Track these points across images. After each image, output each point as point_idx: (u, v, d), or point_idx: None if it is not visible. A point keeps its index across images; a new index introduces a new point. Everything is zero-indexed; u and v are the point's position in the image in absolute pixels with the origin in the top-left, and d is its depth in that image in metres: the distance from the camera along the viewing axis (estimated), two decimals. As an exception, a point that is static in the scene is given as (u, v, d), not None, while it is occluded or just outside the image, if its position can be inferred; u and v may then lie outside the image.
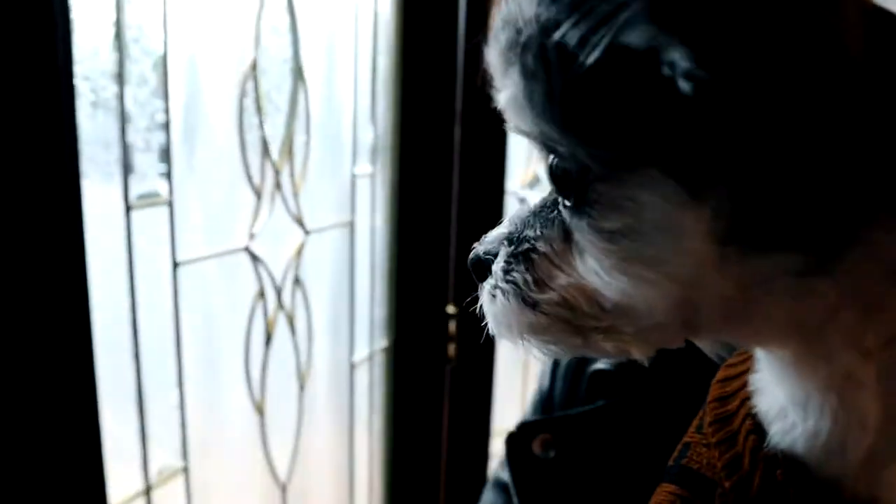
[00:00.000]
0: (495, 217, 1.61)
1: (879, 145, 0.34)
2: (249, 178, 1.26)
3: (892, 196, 0.36)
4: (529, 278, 0.43)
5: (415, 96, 1.61)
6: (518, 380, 1.97)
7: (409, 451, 1.82)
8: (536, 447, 0.64)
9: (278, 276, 1.36)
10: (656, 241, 0.37)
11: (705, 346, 0.44)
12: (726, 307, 0.38)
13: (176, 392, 1.18)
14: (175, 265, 1.14)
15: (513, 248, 0.44)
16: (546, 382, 0.77)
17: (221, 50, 1.17)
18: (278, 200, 1.33)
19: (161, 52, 1.06)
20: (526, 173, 1.80)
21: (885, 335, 0.38)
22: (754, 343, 0.43)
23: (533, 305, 0.43)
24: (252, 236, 1.29)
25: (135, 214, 1.06)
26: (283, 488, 1.47)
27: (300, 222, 1.40)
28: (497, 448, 1.91)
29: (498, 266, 0.45)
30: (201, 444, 1.24)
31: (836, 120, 0.33)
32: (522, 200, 1.90)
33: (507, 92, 0.39)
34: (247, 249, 1.29)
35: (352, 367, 1.64)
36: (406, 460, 1.82)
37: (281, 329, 1.40)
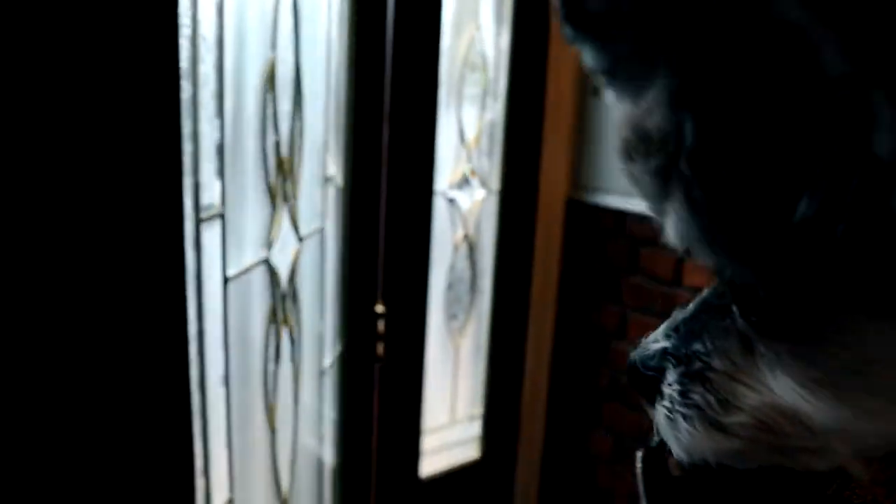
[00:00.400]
0: (424, 217, 1.68)
1: None
2: (269, 186, 1.24)
3: None
4: (713, 399, 0.39)
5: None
6: (448, 378, 2.04)
7: (342, 450, 1.82)
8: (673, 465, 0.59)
9: (284, 285, 1.35)
10: (888, 376, 0.34)
11: None
12: None
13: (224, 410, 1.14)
14: (225, 280, 1.10)
15: (683, 367, 0.40)
16: None
17: (249, 59, 1.15)
18: (285, 209, 1.32)
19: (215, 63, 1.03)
20: (454, 173, 1.91)
21: None
22: None
23: (723, 429, 0.39)
24: (269, 246, 1.27)
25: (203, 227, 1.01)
26: (285, 501, 1.45)
27: (297, 229, 1.39)
28: (429, 445, 1.98)
29: (672, 389, 0.41)
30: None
31: None
32: (452, 201, 2.01)
33: (667, 217, 0.34)
34: (266, 261, 1.26)
35: (321, 373, 1.64)
36: (339, 459, 1.81)
37: (284, 339, 1.38)
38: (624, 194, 1.84)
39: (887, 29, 0.26)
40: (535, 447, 2.10)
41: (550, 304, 2.03)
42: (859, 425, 0.35)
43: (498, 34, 1.90)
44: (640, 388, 0.43)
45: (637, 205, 1.81)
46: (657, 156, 0.32)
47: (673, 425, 0.41)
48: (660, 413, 0.41)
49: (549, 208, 1.97)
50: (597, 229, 1.93)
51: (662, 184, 0.33)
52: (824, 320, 0.33)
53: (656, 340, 0.42)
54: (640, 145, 0.33)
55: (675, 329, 0.41)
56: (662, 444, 0.51)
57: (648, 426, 0.45)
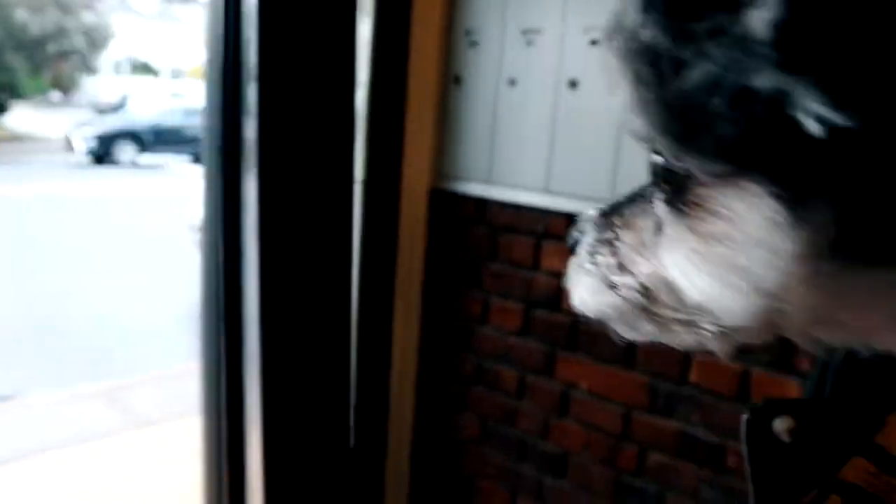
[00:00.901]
0: (346, 205, 1.65)
1: None
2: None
3: None
4: (612, 262, 0.45)
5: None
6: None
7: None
8: (779, 426, 0.57)
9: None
10: (750, 253, 0.37)
11: (800, 341, 0.43)
12: (817, 315, 0.39)
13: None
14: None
15: (599, 233, 0.46)
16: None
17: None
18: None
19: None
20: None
21: None
22: (854, 342, 0.41)
23: (613, 287, 0.45)
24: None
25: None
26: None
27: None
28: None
29: (585, 249, 0.47)
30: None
31: None
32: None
33: (621, 94, 0.39)
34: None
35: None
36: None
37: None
38: (485, 182, 1.89)
39: None
40: (404, 433, 2.12)
41: (416, 292, 2.05)
42: (721, 301, 0.39)
43: (359, 22, 1.88)
44: (571, 246, 0.49)
45: (497, 192, 1.88)
46: (622, 35, 0.37)
47: (577, 278, 0.47)
48: (572, 266, 0.48)
49: (413, 197, 1.99)
50: (459, 217, 1.96)
51: (620, 62, 0.38)
52: (712, 195, 0.38)
53: (591, 211, 0.48)
54: (617, 30, 0.38)
55: (608, 206, 0.47)
56: (767, 405, 0.54)
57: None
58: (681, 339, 0.43)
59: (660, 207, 0.42)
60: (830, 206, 0.34)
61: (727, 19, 0.33)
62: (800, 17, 0.31)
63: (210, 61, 1.56)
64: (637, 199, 0.46)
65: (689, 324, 0.42)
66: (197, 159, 10.56)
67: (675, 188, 0.40)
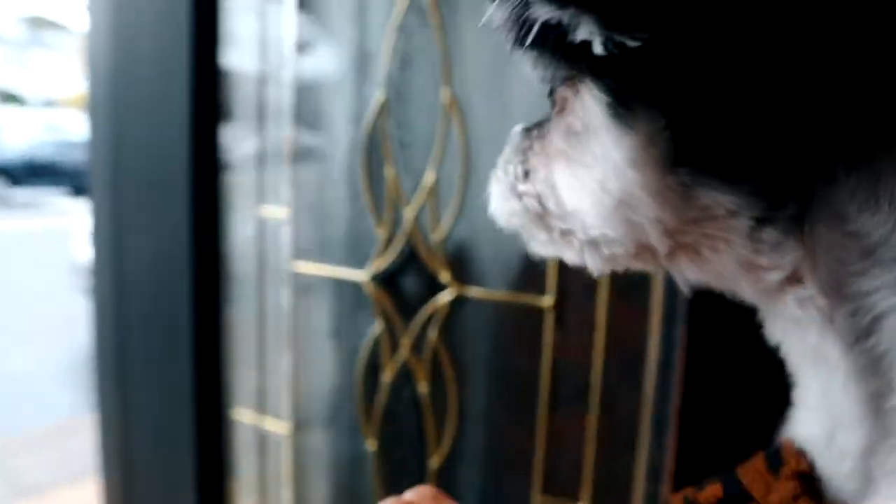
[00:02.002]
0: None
1: (829, 85, 0.30)
2: None
3: (852, 151, 0.31)
4: (520, 171, 0.46)
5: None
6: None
7: None
8: None
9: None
10: (596, 151, 0.38)
11: (679, 281, 0.41)
12: (674, 239, 0.38)
13: None
14: None
15: (519, 143, 0.48)
16: None
17: None
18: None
19: None
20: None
21: (854, 323, 0.32)
22: (723, 288, 0.40)
23: (517, 195, 0.46)
24: None
25: None
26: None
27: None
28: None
29: (502, 158, 0.49)
30: None
31: (766, 56, 0.31)
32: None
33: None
34: None
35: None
36: None
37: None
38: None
39: None
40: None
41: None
42: (580, 203, 0.40)
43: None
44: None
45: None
46: None
47: (493, 188, 0.49)
48: (491, 179, 0.50)
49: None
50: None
51: None
52: (567, 96, 0.40)
53: (518, 126, 0.49)
54: None
55: (534, 121, 0.48)
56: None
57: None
58: (565, 252, 0.44)
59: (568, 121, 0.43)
60: (659, 116, 0.34)
61: None
62: None
63: (93, 91, 1.45)
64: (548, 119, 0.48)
65: (567, 233, 0.43)
66: (77, 193, 9.95)
67: (553, 99, 0.43)
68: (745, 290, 0.39)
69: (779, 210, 0.34)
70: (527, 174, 0.46)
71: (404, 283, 1.17)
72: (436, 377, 1.15)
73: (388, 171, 1.15)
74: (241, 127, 1.35)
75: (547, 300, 1.02)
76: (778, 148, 0.32)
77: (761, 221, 0.35)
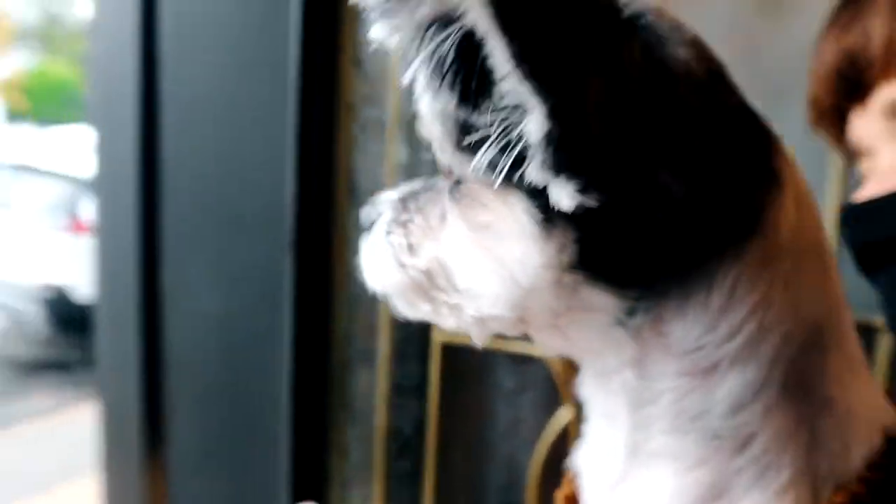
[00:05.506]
0: None
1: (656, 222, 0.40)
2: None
3: (679, 277, 0.42)
4: (404, 243, 0.49)
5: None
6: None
7: None
8: None
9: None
10: (514, 251, 0.43)
11: (543, 346, 0.50)
12: (553, 319, 0.45)
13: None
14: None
15: (395, 215, 0.50)
16: None
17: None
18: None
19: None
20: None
21: (644, 395, 0.45)
22: (572, 356, 0.49)
23: (403, 267, 0.49)
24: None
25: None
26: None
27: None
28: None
29: (381, 227, 0.51)
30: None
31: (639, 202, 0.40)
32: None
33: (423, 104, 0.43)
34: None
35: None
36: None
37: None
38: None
39: None
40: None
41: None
42: (485, 287, 0.44)
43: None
44: (367, 224, 0.53)
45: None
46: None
47: (371, 256, 0.51)
48: (366, 244, 0.52)
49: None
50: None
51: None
52: (483, 191, 0.44)
53: (392, 194, 0.52)
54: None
55: (406, 192, 0.51)
56: None
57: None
58: (447, 321, 0.48)
59: (445, 197, 0.47)
60: (573, 230, 0.41)
61: (510, 112, 0.39)
62: (565, 133, 0.37)
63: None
64: (431, 187, 0.51)
65: (456, 308, 0.47)
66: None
67: (455, 180, 0.46)
68: (588, 363, 0.48)
69: (632, 315, 0.43)
70: (410, 247, 0.49)
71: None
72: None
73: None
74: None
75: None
76: (631, 266, 0.42)
77: (622, 318, 0.44)
